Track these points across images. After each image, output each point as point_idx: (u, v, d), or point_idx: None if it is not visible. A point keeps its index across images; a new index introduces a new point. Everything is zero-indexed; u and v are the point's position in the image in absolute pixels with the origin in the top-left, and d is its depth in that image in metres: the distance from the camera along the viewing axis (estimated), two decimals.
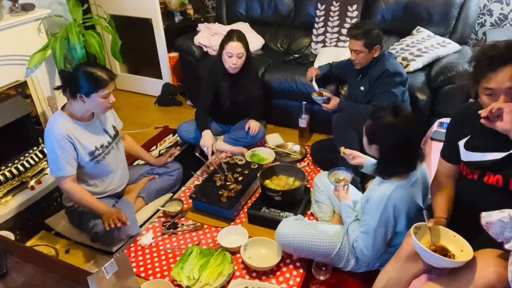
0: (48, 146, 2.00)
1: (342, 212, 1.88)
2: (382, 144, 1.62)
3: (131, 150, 2.53)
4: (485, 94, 1.34)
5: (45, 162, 2.71)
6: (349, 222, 1.82)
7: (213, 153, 2.64)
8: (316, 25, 3.43)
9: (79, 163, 2.06)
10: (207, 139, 2.65)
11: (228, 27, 3.42)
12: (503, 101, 1.27)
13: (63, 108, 2.06)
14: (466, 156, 1.51)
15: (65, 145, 1.97)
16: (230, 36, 2.64)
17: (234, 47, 2.61)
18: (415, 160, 1.62)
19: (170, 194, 2.53)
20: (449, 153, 1.62)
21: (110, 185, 2.23)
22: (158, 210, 2.40)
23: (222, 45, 2.66)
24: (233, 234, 2.13)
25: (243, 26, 3.64)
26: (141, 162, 2.83)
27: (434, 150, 2.25)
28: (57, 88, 2.06)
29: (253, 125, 2.79)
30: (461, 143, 1.53)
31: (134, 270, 1.99)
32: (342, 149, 2.00)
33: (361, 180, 2.36)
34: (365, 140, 1.71)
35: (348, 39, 2.49)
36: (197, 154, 2.83)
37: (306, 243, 1.84)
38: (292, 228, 1.90)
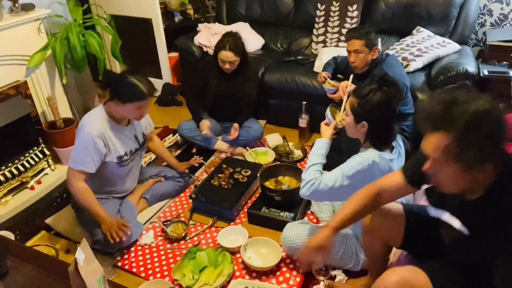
0: (80, 137, 1.98)
1: (315, 146, 1.83)
2: (373, 119, 1.63)
3: (157, 150, 2.54)
4: None
5: (45, 162, 2.71)
6: (316, 161, 1.77)
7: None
8: (316, 25, 3.42)
9: (104, 161, 2.04)
10: (204, 126, 2.77)
11: (228, 27, 3.42)
12: (427, 167, 1.15)
13: (105, 103, 2.06)
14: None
15: (98, 142, 1.97)
16: (223, 44, 2.67)
17: (227, 56, 2.67)
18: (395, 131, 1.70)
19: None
20: (415, 174, 1.33)
21: (118, 188, 2.23)
22: (159, 210, 2.40)
23: (216, 49, 2.71)
24: (233, 234, 2.13)
25: (243, 26, 3.63)
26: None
27: None
28: (100, 84, 2.08)
29: (232, 132, 2.80)
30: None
31: (134, 270, 2.00)
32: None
33: None
34: (350, 120, 1.68)
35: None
36: (193, 153, 2.87)
37: None
38: (298, 230, 1.89)
